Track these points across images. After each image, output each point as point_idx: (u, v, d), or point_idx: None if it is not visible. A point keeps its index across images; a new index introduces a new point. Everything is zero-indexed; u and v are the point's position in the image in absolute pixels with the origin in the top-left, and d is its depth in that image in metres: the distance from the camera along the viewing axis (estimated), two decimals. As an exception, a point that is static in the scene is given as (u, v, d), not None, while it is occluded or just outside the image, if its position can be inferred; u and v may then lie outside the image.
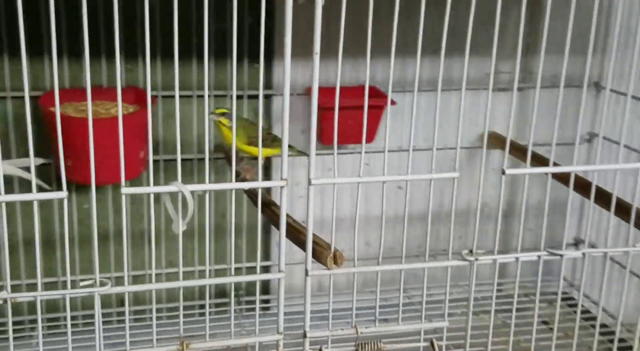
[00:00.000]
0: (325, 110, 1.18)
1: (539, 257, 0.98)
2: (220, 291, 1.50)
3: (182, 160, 1.39)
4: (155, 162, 1.36)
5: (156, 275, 0.91)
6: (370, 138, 1.38)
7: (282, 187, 0.89)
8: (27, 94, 0.78)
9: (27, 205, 1.25)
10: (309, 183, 0.89)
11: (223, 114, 1.19)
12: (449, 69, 1.51)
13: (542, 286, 1.55)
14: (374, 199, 1.52)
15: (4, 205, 0.81)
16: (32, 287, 0.90)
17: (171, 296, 1.46)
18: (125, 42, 1.14)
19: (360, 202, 0.94)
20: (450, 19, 0.90)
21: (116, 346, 1.14)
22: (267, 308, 1.53)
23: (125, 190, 0.84)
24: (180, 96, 1.33)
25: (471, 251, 0.96)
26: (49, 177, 1.29)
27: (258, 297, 0.94)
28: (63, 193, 0.82)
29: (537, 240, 1.06)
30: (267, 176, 1.46)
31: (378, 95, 1.37)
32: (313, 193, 0.90)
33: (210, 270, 0.92)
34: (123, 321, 1.37)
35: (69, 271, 0.85)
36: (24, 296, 0.84)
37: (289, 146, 1.34)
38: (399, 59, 1.42)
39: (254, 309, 1.40)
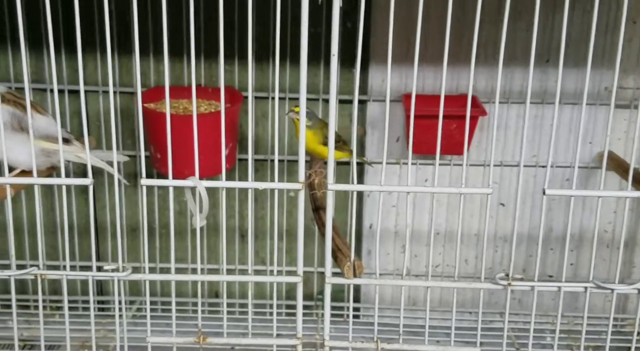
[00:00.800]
0: (415, 118, 1.13)
1: (585, 288, 0.86)
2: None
3: (272, 160, 1.41)
4: (245, 160, 1.39)
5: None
6: (463, 150, 1.30)
7: (298, 190, 0.87)
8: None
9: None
10: (326, 188, 0.86)
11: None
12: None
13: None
14: (475, 216, 1.44)
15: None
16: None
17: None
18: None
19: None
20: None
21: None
22: (357, 316, 1.50)
23: (144, 181, 0.87)
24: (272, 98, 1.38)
25: (507, 275, 0.87)
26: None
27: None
28: (87, 180, 0.86)
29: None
30: (360, 182, 1.43)
31: (475, 106, 1.28)
32: (332, 198, 0.87)
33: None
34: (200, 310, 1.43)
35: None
36: (52, 274, 0.90)
37: (350, 151, 1.30)
38: (504, 69, 1.33)
39: (334, 315, 1.39)
